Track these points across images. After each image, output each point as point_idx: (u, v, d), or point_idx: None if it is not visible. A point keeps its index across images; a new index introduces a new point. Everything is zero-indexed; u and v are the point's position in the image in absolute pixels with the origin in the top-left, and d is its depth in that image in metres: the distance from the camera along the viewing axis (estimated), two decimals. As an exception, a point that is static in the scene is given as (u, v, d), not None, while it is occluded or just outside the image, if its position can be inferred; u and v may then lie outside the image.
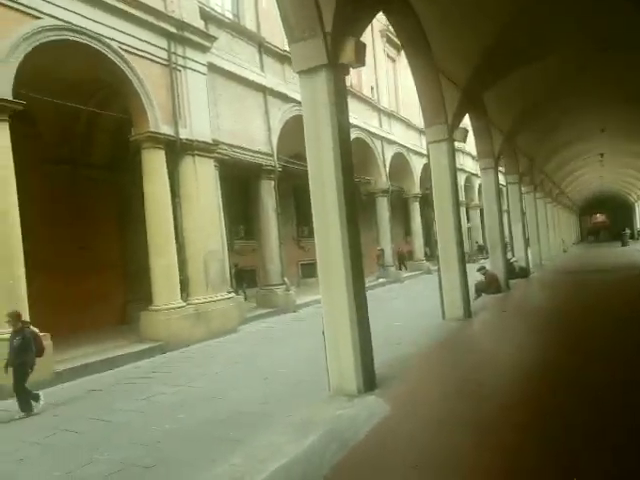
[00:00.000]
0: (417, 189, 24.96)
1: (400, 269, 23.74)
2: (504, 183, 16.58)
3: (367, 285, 16.48)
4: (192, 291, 9.63)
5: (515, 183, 15.58)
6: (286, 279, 13.45)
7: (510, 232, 16.33)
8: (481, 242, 31.05)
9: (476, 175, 32.21)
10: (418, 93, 8.51)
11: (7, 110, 7.02)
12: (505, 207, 17.16)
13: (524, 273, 14.72)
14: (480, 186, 31.15)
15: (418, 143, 25.51)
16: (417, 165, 25.02)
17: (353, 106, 19.64)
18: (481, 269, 12.03)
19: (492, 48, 7.89)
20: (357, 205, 5.38)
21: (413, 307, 11.96)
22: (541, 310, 9.20)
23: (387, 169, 21.76)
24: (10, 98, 7.03)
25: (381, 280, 20.74)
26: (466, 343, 6.86)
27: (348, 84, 20.03)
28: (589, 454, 3.14)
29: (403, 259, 23.74)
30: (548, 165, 19.82)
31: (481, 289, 11.84)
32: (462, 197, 30.96)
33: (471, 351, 6.25)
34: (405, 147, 23.60)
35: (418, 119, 25.86)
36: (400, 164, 23.86)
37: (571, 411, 3.90)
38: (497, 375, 5.01)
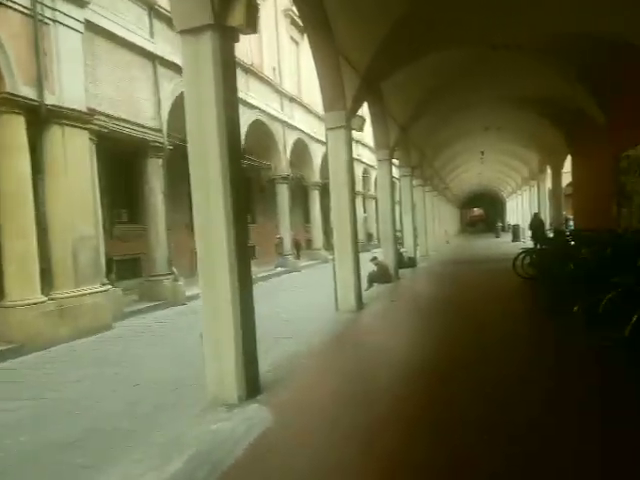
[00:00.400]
0: (317, 177, 24.94)
1: (298, 258, 23.74)
2: (397, 176, 17.10)
3: (265, 275, 16.03)
4: (56, 283, 8.34)
5: (407, 176, 16.13)
6: (174, 269, 12.46)
7: (401, 223, 16.96)
8: (372, 231, 32.27)
9: (373, 167, 33.30)
10: (318, 76, 8.26)
11: None
12: (397, 199, 17.82)
13: (412, 263, 15.37)
14: (376, 178, 32.49)
15: (319, 131, 25.46)
16: (317, 153, 24.97)
17: (254, 86, 18.92)
18: (373, 259, 12.23)
19: (390, 36, 7.82)
20: (245, 193, 4.89)
21: (309, 297, 11.79)
22: (428, 300, 9.54)
23: (288, 155, 21.38)
24: None
25: (279, 269, 20.44)
26: (358, 337, 6.76)
27: (249, 63, 19.29)
28: (482, 447, 3.06)
29: (299, 248, 23.64)
30: (437, 160, 20.96)
31: (373, 279, 12.04)
32: (360, 188, 31.95)
33: (363, 346, 6.13)
34: (306, 134, 23.36)
35: (319, 106, 25.99)
36: (301, 151, 23.63)
37: (464, 405, 3.89)
38: (389, 372, 4.89)
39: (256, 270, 18.43)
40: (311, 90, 24.35)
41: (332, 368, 5.30)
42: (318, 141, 24.87)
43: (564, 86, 10.84)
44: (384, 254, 12.51)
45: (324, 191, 26.54)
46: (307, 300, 11.39)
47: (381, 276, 11.94)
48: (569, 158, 17.98)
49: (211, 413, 3.96)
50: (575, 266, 6.69)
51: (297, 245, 23.91)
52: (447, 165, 24.82)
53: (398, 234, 28.43)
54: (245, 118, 17.64)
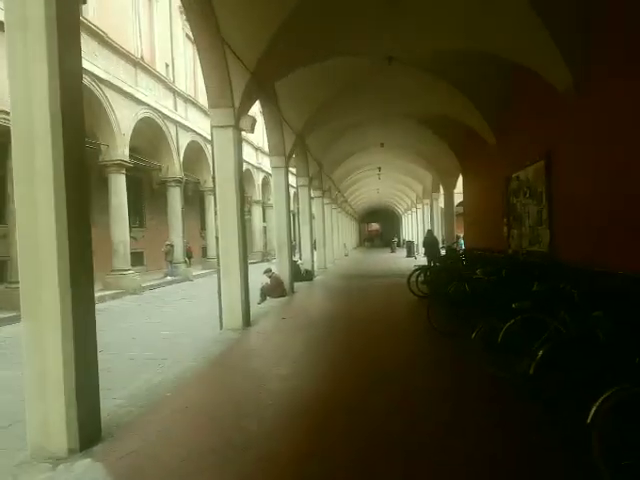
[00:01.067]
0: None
1: (189, 266, 22.22)
2: (295, 185, 16.64)
3: (152, 284, 14.31)
4: None
5: (305, 186, 15.74)
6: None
7: (299, 234, 16.48)
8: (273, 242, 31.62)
9: (260, 168, 32.53)
10: (202, 67, 7.46)
11: None
12: (295, 209, 17.37)
13: (309, 276, 14.93)
14: (264, 181, 31.89)
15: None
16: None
17: (144, 81, 17.33)
18: (267, 271, 11.51)
19: (282, 32, 7.06)
20: (88, 188, 3.90)
21: (196, 311, 10.69)
22: (321, 317, 8.99)
23: (181, 157, 19.93)
24: None
25: (169, 278, 18.89)
26: (239, 362, 5.93)
27: (138, 56, 17.67)
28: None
29: (190, 255, 22.18)
30: (335, 173, 20.96)
31: (266, 292, 11.30)
32: (259, 196, 31.14)
33: (243, 374, 5.32)
34: (202, 137, 22.08)
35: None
36: (197, 154, 22.30)
37: (355, 437, 3.38)
38: (266, 411, 4.14)
39: (142, 279, 16.84)
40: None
41: (200, 404, 4.42)
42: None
43: (457, 105, 11.18)
44: (279, 266, 11.86)
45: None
46: (193, 314, 10.30)
47: (274, 290, 11.26)
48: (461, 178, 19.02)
49: (29, 473, 2.91)
50: (470, 287, 6.55)
51: (189, 253, 22.42)
52: (346, 178, 25.07)
53: (295, 245, 27.99)
54: (133, 114, 16.05)
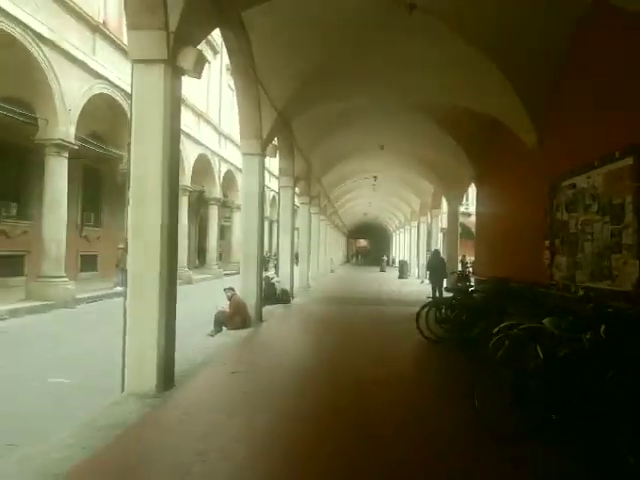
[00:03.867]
0: (219, 193, 21.24)
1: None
2: (277, 186, 13.78)
3: (93, 295, 8.79)
4: None
5: (289, 187, 12.91)
6: None
7: (277, 245, 13.59)
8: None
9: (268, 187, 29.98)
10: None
11: None
12: (274, 216, 14.49)
13: (285, 298, 11.99)
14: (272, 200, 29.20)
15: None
16: (221, 169, 21.57)
17: (103, 52, 14.45)
18: (228, 290, 8.55)
19: (307, 81, 8.52)
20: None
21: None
22: (290, 372, 5.90)
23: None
24: None
25: (119, 289, 15.70)
26: (137, 463, 3.00)
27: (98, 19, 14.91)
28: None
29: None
30: (326, 177, 18.15)
31: (222, 321, 8.36)
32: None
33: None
34: (210, 149, 19.59)
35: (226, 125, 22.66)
36: (203, 165, 19.83)
37: None
38: None
39: (83, 288, 13.79)
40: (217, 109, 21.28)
41: None
42: (221, 157, 21.36)
43: (489, 88, 8.56)
44: (243, 285, 8.90)
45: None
46: (117, 345, 7.23)
47: (232, 317, 8.32)
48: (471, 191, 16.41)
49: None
50: (546, 354, 3.68)
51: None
52: (338, 186, 22.25)
53: (268, 258, 24.83)
54: (85, 87, 13.12)
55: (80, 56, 12.96)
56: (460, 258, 16.39)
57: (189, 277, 20.02)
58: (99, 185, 19.22)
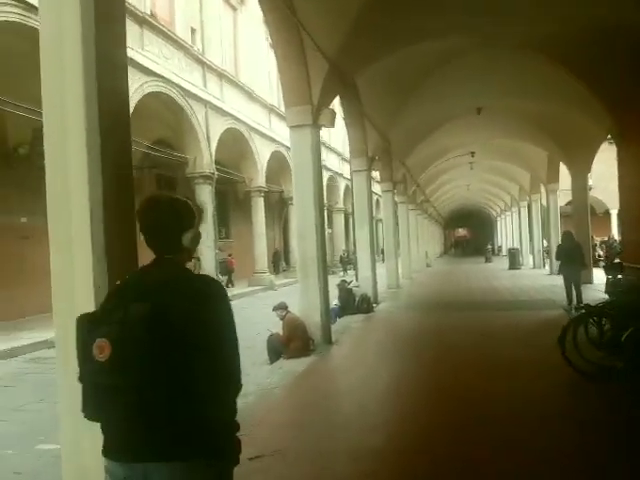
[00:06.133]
0: (262, 181, 19.33)
1: (231, 285, 18.09)
2: (350, 170, 11.44)
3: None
4: None
5: (362, 170, 10.49)
6: None
7: (354, 243, 11.28)
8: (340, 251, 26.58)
9: (342, 175, 27.92)
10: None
11: None
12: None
13: (367, 307, 9.59)
14: (347, 189, 26.93)
15: (266, 124, 19.97)
16: (264, 151, 19.45)
17: (154, 44, 13.31)
18: (278, 307, 6.42)
19: (365, 13, 6.03)
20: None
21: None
22: (352, 456, 3.60)
23: (213, 146, 15.68)
24: None
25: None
26: None
27: (147, 12, 13.82)
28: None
29: (228, 272, 18.04)
30: (412, 157, 15.28)
31: (277, 348, 6.28)
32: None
33: None
34: (245, 124, 17.79)
35: (269, 94, 20.75)
36: (237, 145, 18.05)
37: None
38: None
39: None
40: (254, 72, 19.13)
41: None
42: (264, 135, 19.41)
43: None
44: (303, 298, 6.72)
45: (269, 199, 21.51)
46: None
47: (289, 342, 6.16)
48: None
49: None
50: None
51: (229, 267, 18.29)
52: (427, 168, 19.13)
53: (344, 256, 22.73)
54: (136, 84, 11.99)
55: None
56: (600, 240, 12.70)
57: (271, 282, 18.54)
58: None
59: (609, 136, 10.94)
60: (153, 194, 1.56)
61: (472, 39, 8.67)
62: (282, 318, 6.36)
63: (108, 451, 1.34)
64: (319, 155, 7.00)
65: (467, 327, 7.96)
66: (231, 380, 1.35)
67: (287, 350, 6.14)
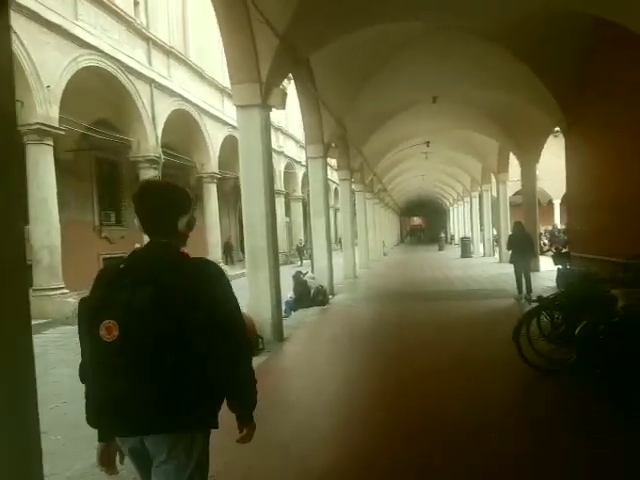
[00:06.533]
0: (215, 167, 18.64)
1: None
2: (305, 156, 11.09)
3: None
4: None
5: (318, 157, 10.17)
6: None
7: (310, 231, 10.99)
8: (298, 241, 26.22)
9: (300, 163, 27.51)
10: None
11: None
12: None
13: (322, 299, 9.35)
14: (305, 176, 26.50)
15: (219, 106, 19.20)
16: (216, 135, 18.71)
17: (90, 14, 12.26)
18: None
19: None
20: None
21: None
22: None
23: (159, 128, 14.83)
24: None
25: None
26: None
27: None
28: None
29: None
30: (368, 145, 15.07)
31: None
32: (280, 186, 25.76)
33: None
34: (196, 105, 16.98)
35: (222, 74, 19.60)
36: (187, 128, 17.23)
37: None
38: None
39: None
40: (207, 52, 18.24)
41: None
42: (217, 119, 18.66)
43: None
44: (252, 293, 6.34)
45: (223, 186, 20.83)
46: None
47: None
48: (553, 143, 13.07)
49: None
50: None
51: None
52: (384, 156, 19.01)
53: (301, 246, 22.71)
54: (69, 58, 11.03)
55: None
56: (544, 230, 13.02)
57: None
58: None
59: (557, 128, 11.16)
60: (149, 179, 1.67)
61: (428, 24, 8.49)
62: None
63: (112, 427, 1.43)
64: (269, 138, 6.57)
65: (424, 319, 7.89)
66: (240, 351, 1.49)
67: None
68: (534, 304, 4.93)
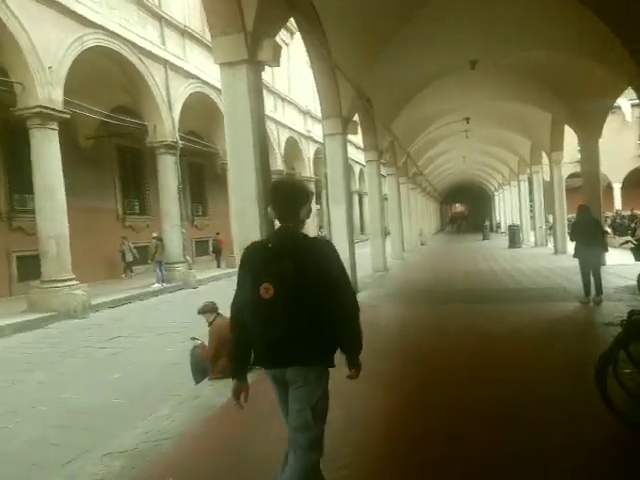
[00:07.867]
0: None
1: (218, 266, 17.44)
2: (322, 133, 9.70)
3: (120, 297, 11.28)
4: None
5: (337, 134, 8.75)
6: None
7: (328, 221, 9.63)
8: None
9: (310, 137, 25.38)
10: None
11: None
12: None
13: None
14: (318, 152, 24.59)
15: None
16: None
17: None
18: (205, 308, 4.78)
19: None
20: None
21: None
22: None
23: (176, 112, 13.82)
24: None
25: (157, 286, 13.17)
26: None
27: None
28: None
29: (216, 250, 18.01)
30: (399, 121, 13.43)
31: (201, 364, 4.70)
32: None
33: None
34: (215, 88, 15.80)
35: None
36: (208, 112, 16.17)
37: None
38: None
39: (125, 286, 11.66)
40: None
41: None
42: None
43: None
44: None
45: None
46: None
47: (215, 360, 4.55)
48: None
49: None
50: None
51: (218, 247, 17.92)
52: (417, 135, 17.24)
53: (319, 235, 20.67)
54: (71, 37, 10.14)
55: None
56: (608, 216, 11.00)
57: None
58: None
59: (629, 90, 9.20)
60: (279, 179, 2.30)
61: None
62: (210, 323, 4.74)
63: (265, 361, 2.08)
64: (261, 102, 5.27)
65: (464, 333, 5.98)
66: (352, 310, 2.08)
67: (213, 368, 4.54)
68: (621, 324, 3.31)
